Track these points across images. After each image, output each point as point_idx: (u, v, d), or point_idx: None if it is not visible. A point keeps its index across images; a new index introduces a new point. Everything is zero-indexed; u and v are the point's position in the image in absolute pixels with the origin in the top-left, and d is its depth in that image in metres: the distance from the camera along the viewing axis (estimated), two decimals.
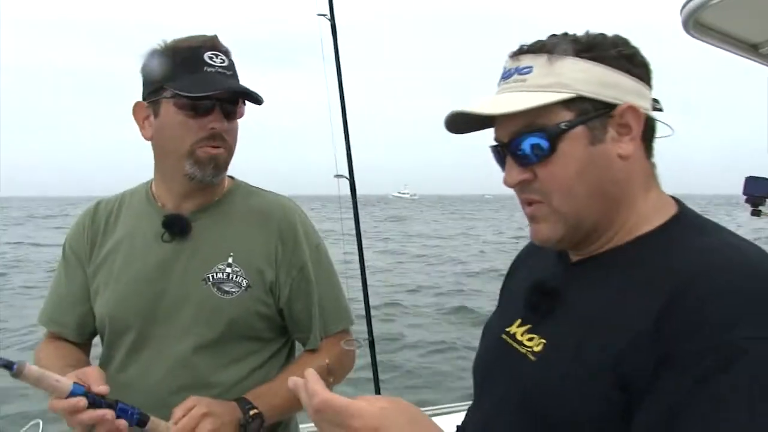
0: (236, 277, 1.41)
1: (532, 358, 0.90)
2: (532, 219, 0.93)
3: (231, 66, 1.39)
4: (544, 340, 0.90)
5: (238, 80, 1.42)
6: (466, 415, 1.08)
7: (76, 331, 1.51)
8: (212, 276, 1.40)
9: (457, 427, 1.09)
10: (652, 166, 0.94)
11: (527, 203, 0.93)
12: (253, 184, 1.59)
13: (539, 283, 0.96)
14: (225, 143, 1.40)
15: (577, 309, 0.88)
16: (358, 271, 2.63)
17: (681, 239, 0.86)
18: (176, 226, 1.42)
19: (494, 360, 1.01)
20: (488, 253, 20.96)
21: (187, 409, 1.27)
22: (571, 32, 0.91)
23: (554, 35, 0.91)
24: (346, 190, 2.76)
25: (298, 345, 1.58)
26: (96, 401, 1.16)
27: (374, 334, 2.55)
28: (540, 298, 0.94)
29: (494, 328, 1.05)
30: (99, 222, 1.52)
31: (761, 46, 2.39)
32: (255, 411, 1.36)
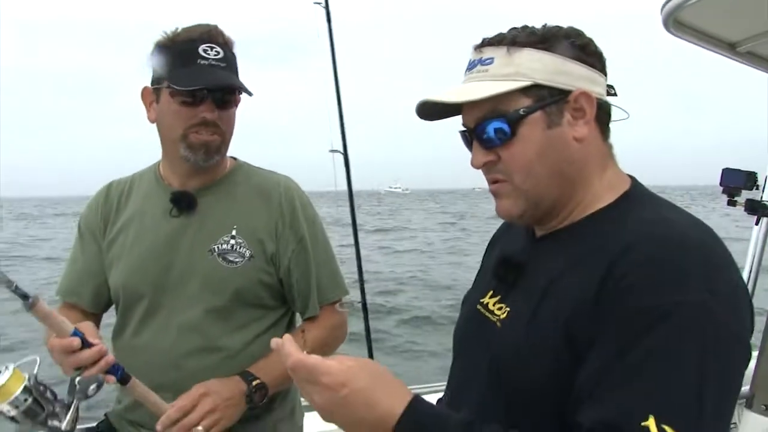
0: (240, 248, 1.51)
1: (498, 325, 1.00)
2: (496, 195, 1.02)
3: (225, 58, 1.46)
4: (508, 308, 1.00)
5: (232, 71, 1.49)
6: None
7: (93, 301, 1.60)
8: (218, 247, 1.50)
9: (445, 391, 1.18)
10: (609, 147, 1.02)
11: (492, 182, 1.01)
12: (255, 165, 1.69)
13: (506, 257, 1.06)
14: (218, 129, 1.48)
15: (536, 279, 0.97)
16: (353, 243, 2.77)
17: (626, 214, 0.94)
18: (183, 202, 1.53)
19: (469, 329, 1.11)
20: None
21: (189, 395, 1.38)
22: (530, 25, 0.99)
23: (514, 28, 0.98)
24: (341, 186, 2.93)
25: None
26: (87, 346, 1.24)
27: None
28: (505, 270, 1.04)
29: (471, 300, 1.14)
30: (111, 201, 1.62)
31: (738, 45, 2.48)
32: (258, 381, 1.46)
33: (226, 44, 1.48)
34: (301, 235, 1.58)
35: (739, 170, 2.34)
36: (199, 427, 1.36)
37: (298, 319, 1.67)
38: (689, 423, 0.75)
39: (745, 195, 2.34)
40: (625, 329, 0.80)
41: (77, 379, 1.20)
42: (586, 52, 0.97)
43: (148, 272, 1.52)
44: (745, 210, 2.33)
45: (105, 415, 1.66)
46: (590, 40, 0.98)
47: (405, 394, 0.87)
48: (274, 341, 0.92)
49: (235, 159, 1.65)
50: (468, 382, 1.04)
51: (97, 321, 1.64)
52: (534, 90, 0.94)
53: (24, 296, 1.15)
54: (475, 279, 1.23)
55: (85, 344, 1.23)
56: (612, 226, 0.93)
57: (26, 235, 28.96)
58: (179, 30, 1.47)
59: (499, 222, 1.18)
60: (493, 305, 1.04)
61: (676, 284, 0.81)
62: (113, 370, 1.27)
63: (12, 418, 1.13)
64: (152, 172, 1.63)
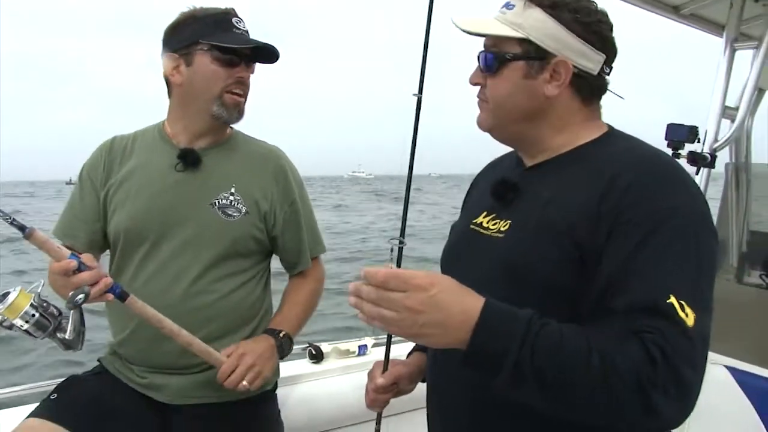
0: (237, 204, 1.67)
1: (499, 235, 1.14)
2: (479, 108, 1.20)
3: (248, 32, 1.66)
4: (509, 221, 1.15)
5: None
6: None
7: (87, 245, 1.70)
8: (218, 201, 1.65)
9: None
10: (594, 109, 1.18)
11: (478, 97, 1.20)
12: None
13: (504, 179, 1.21)
14: (246, 91, 1.67)
15: (536, 195, 1.13)
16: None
17: (611, 145, 1.13)
18: (189, 158, 1.66)
19: (462, 247, 1.25)
20: None
21: (228, 353, 1.57)
22: None
23: None
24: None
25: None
26: (85, 269, 1.35)
27: None
28: (504, 189, 1.19)
29: (461, 225, 1.29)
30: (115, 153, 1.74)
31: (682, 7, 2.65)
32: (284, 333, 1.69)
33: (244, 21, 1.67)
34: (292, 198, 1.76)
35: (682, 125, 2.51)
36: (244, 382, 1.56)
37: (277, 276, 1.85)
38: (695, 298, 0.93)
39: (688, 148, 2.51)
40: (636, 231, 0.97)
41: (71, 293, 1.33)
42: (586, 30, 1.11)
43: (152, 216, 1.64)
44: (688, 162, 2.49)
45: (98, 360, 1.76)
46: (595, 21, 1.12)
47: (476, 294, 0.95)
48: (363, 270, 0.95)
49: (232, 128, 1.79)
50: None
51: None
52: (525, 43, 1.11)
53: (21, 227, 1.29)
54: (462, 211, 1.39)
55: (83, 267, 1.35)
56: (601, 154, 1.11)
57: None
58: (205, 7, 1.65)
59: None
60: (488, 222, 1.19)
61: (669, 193, 1.00)
62: (111, 289, 1.39)
63: (26, 332, 1.29)
64: (155, 131, 1.75)
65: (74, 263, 1.33)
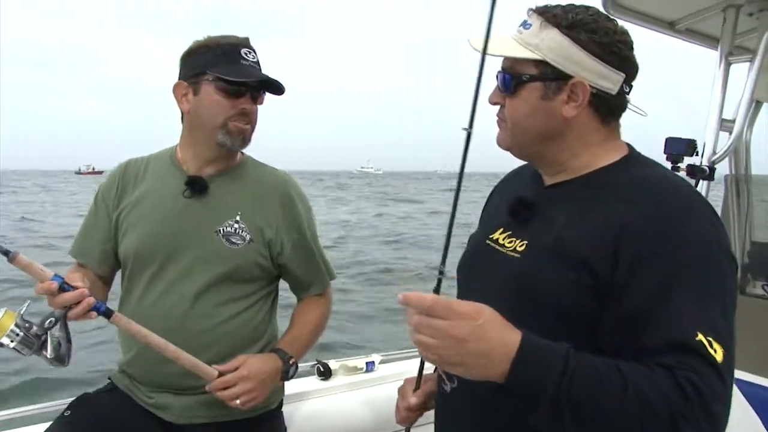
0: (242, 232, 1.70)
1: (515, 255, 1.14)
2: (498, 126, 1.21)
3: (258, 62, 1.71)
4: (526, 241, 1.15)
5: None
6: None
7: (99, 264, 1.77)
8: (223, 229, 1.69)
9: None
10: (614, 128, 1.17)
11: (497, 116, 1.20)
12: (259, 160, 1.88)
13: (521, 198, 1.21)
14: (251, 120, 1.71)
15: (553, 218, 1.13)
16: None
17: (630, 169, 1.13)
18: (197, 186, 1.71)
19: (478, 261, 1.26)
20: None
21: (234, 367, 1.60)
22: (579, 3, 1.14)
23: (559, 5, 1.13)
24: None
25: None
26: (69, 289, 1.42)
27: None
28: (521, 208, 1.19)
29: (478, 238, 1.29)
30: (129, 177, 1.80)
31: (677, 23, 2.70)
32: (293, 359, 1.72)
33: (256, 52, 1.71)
34: (299, 225, 1.79)
35: (680, 138, 2.54)
36: (238, 401, 1.59)
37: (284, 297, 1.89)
38: (722, 332, 0.95)
39: (687, 161, 2.54)
40: (661, 265, 0.98)
41: (43, 317, 1.40)
42: (605, 51, 1.10)
43: (160, 240, 1.69)
44: (687, 174, 2.52)
45: (109, 378, 1.81)
46: (614, 41, 1.10)
47: (514, 327, 0.95)
48: (401, 295, 0.93)
49: (242, 153, 1.83)
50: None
51: (107, 283, 1.81)
52: (542, 65, 1.11)
53: (5, 252, 1.38)
54: (480, 222, 1.39)
55: (67, 287, 1.42)
56: (619, 180, 1.10)
57: None
58: (218, 36, 1.69)
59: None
60: (503, 240, 1.20)
61: (691, 224, 1.01)
62: (95, 308, 1.45)
63: (14, 349, 1.37)
64: (168, 156, 1.81)
65: (55, 285, 1.40)
